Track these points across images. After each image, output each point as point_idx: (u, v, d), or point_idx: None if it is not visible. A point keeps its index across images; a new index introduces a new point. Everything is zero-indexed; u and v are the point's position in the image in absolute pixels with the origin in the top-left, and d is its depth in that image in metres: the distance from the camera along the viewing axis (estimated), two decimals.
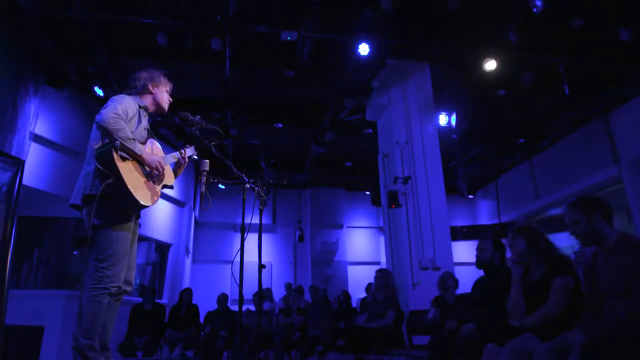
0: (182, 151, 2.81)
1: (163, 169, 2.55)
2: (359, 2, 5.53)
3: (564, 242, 8.56)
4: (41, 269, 6.47)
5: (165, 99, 2.77)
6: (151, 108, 2.72)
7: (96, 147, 2.36)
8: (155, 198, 2.53)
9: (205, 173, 2.74)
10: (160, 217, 8.69)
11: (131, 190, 2.30)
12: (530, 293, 2.64)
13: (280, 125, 8.36)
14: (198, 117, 2.82)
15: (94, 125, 2.40)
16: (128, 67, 6.51)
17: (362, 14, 5.60)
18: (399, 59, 6.73)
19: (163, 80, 2.76)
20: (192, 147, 2.90)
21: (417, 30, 6.13)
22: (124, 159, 2.33)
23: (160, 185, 2.62)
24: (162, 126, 8.14)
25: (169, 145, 9.00)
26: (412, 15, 5.76)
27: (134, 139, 2.37)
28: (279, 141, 9.29)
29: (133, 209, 2.49)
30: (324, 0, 5.32)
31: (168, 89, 2.81)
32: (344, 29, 5.91)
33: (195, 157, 2.88)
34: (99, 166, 2.28)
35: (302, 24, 5.67)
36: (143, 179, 2.45)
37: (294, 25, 5.68)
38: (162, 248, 9.03)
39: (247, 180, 2.88)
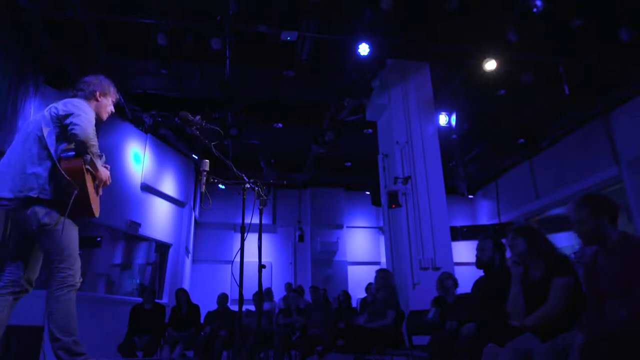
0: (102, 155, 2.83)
1: (107, 184, 2.65)
2: (359, 2, 5.53)
3: (564, 242, 8.57)
4: (41, 269, 6.46)
5: (107, 110, 2.78)
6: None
7: (55, 151, 2.37)
8: (98, 210, 2.63)
9: (205, 173, 2.74)
10: (160, 217, 8.69)
11: (90, 201, 2.42)
12: (530, 293, 2.64)
13: (280, 125, 8.36)
14: (198, 117, 2.82)
15: (49, 126, 2.41)
16: (128, 67, 6.57)
17: (362, 14, 5.60)
18: (399, 59, 6.74)
19: (112, 90, 2.78)
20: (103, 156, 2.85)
21: (417, 30, 6.14)
22: (87, 171, 2.42)
23: (98, 196, 2.68)
24: (162, 126, 8.14)
25: (169, 145, 9.01)
26: (412, 15, 5.76)
27: (102, 155, 2.49)
28: (279, 141, 9.29)
29: (81, 217, 2.54)
30: (324, 0, 5.32)
31: (114, 99, 2.82)
32: (344, 29, 5.91)
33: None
34: (65, 175, 2.31)
35: (302, 24, 5.67)
36: (94, 191, 2.55)
37: (294, 25, 5.68)
38: (162, 248, 9.03)
39: (247, 180, 2.88)
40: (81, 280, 2.47)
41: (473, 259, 3.50)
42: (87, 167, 2.40)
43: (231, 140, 8.05)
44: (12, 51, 5.08)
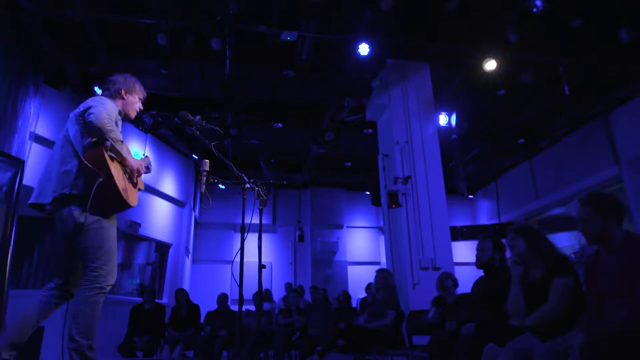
0: (147, 157, 2.83)
1: (141, 173, 2.62)
2: (359, 2, 5.53)
3: (564, 242, 8.57)
4: (41, 269, 6.47)
5: (135, 107, 2.79)
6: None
7: (80, 146, 2.38)
8: (136, 200, 2.58)
9: (205, 173, 2.74)
10: (160, 217, 8.69)
11: (120, 190, 2.35)
12: (530, 293, 2.64)
13: (280, 125, 8.36)
14: (198, 117, 2.83)
15: (72, 124, 2.43)
16: (128, 67, 6.55)
17: (362, 14, 5.60)
18: (399, 59, 6.73)
19: (138, 87, 2.79)
20: (148, 158, 2.86)
21: (417, 30, 6.13)
22: (112, 159, 2.38)
23: (137, 189, 2.65)
24: (162, 126, 8.14)
25: (169, 145, 9.01)
26: (412, 15, 5.76)
27: (122, 141, 2.44)
28: (279, 141, 9.29)
29: (118, 209, 2.50)
30: (324, 0, 5.32)
31: (141, 96, 2.83)
32: (344, 29, 5.91)
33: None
34: (88, 164, 2.31)
35: (302, 24, 5.67)
36: (127, 181, 2.50)
37: (294, 25, 5.68)
38: (162, 248, 9.03)
39: (247, 180, 2.88)
40: (113, 283, 2.40)
41: (473, 259, 3.50)
42: (111, 154, 2.36)
43: (231, 140, 8.05)
44: (12, 51, 5.07)
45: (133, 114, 2.80)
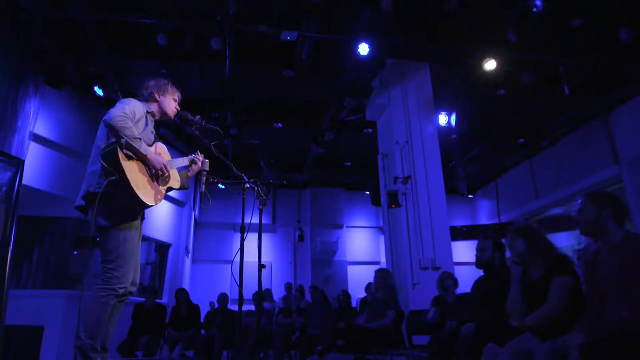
0: (193, 157, 2.82)
1: (168, 171, 2.56)
2: (359, 2, 5.53)
3: (564, 242, 8.57)
4: (41, 269, 6.47)
5: (171, 107, 2.80)
6: (158, 115, 2.76)
7: (103, 146, 2.40)
8: (159, 198, 2.54)
9: (205, 173, 2.75)
10: (160, 217, 8.69)
11: (134, 188, 2.33)
12: (530, 293, 2.64)
13: (280, 125, 8.36)
14: (198, 117, 2.84)
15: (101, 125, 2.45)
16: (128, 67, 6.57)
17: (362, 14, 5.60)
18: (399, 59, 6.73)
19: (170, 89, 2.81)
20: (202, 156, 2.87)
21: (417, 30, 6.13)
22: (129, 157, 2.36)
23: (165, 187, 2.63)
24: (162, 126, 8.14)
25: (169, 144, 9.00)
26: (412, 15, 5.76)
27: (140, 139, 2.40)
28: (279, 141, 9.29)
29: (137, 208, 2.49)
30: (324, 0, 5.32)
31: (176, 97, 2.84)
32: (344, 29, 5.90)
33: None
34: (104, 164, 2.32)
35: (302, 24, 5.67)
36: (147, 179, 2.46)
37: (294, 25, 5.68)
38: (162, 248, 9.03)
39: (247, 180, 2.89)
40: (125, 287, 2.37)
41: (473, 259, 3.50)
42: (127, 152, 2.34)
43: (231, 140, 8.05)
44: (12, 51, 5.08)
45: (172, 114, 2.80)
